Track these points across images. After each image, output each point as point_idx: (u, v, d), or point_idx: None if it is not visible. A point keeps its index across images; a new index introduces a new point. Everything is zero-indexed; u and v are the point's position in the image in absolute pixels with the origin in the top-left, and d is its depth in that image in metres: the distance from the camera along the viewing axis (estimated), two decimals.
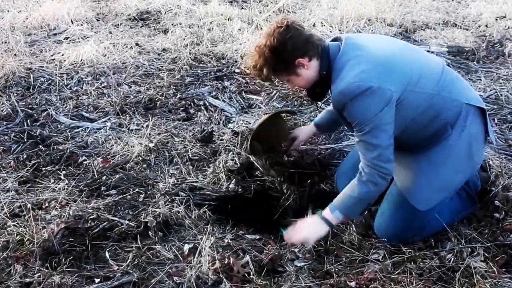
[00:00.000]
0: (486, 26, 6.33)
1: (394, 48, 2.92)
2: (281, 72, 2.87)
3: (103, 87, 4.86)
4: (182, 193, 3.38)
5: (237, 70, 5.09)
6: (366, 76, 2.66)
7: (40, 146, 3.91)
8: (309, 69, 2.81)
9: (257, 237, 3.08)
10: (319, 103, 4.25)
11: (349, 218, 3.02)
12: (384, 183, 2.84)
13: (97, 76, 5.03)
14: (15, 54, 5.41)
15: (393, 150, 2.79)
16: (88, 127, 4.21)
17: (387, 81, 2.68)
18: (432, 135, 2.91)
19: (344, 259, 2.91)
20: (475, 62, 5.38)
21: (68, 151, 3.84)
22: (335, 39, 2.92)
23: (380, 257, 2.90)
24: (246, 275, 2.76)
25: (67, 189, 3.41)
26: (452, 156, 2.91)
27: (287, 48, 2.74)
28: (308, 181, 3.47)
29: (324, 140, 3.95)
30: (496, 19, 6.48)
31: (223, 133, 4.09)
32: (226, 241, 3.01)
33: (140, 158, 3.75)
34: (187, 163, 3.72)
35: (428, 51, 5.47)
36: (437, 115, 2.85)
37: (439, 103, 2.83)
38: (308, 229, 2.94)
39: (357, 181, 2.86)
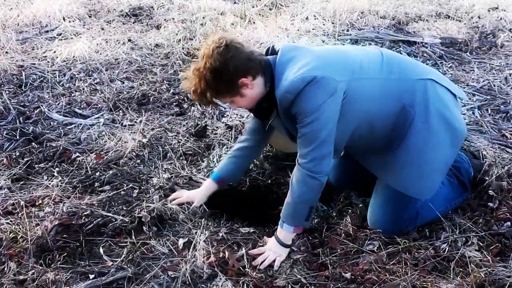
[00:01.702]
0: (479, 17, 6.34)
1: (330, 48, 2.96)
2: (224, 94, 2.76)
3: (96, 83, 4.85)
4: (176, 188, 3.37)
5: None
6: (309, 68, 2.63)
7: (33, 143, 3.89)
8: (254, 88, 2.74)
9: (252, 230, 3.06)
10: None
11: (300, 227, 2.89)
12: (315, 183, 2.76)
13: (90, 73, 5.02)
14: (6, 52, 5.39)
15: (331, 148, 2.73)
16: (81, 124, 4.19)
17: (330, 71, 2.65)
18: (396, 123, 2.82)
19: (339, 250, 2.90)
20: (468, 53, 5.40)
21: (61, 147, 3.82)
22: (272, 52, 2.85)
23: (375, 248, 2.90)
24: (241, 268, 2.75)
25: (60, 185, 3.40)
26: (431, 136, 2.83)
27: (229, 68, 2.64)
28: None
29: None
30: (489, 10, 6.50)
31: (217, 127, 4.09)
32: (220, 235, 2.99)
33: (134, 154, 3.74)
34: (181, 158, 3.71)
35: (421, 43, 5.51)
36: (393, 100, 2.79)
37: (390, 87, 2.79)
38: (274, 252, 2.85)
39: (290, 185, 2.83)
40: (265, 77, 2.75)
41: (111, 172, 3.54)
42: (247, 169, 3.45)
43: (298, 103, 2.66)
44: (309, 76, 2.60)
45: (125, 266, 2.77)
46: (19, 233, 2.94)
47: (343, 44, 5.49)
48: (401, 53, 5.17)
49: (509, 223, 2.98)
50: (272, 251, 2.85)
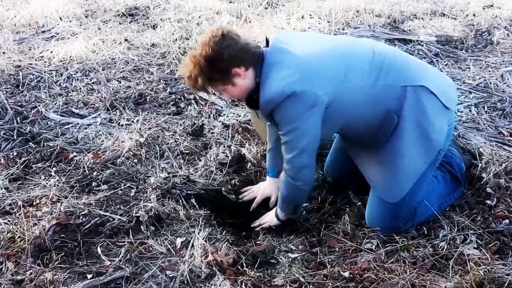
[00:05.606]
0: (474, 15, 6.35)
1: (319, 48, 2.84)
2: (217, 82, 2.81)
3: (93, 83, 4.84)
4: (173, 187, 3.37)
5: None
6: (289, 82, 2.66)
7: (30, 143, 3.89)
8: (246, 79, 2.78)
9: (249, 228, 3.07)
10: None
11: (288, 216, 3.15)
12: (296, 190, 2.96)
13: (87, 72, 5.00)
14: (3, 52, 5.36)
15: (312, 156, 2.83)
16: (78, 123, 4.19)
17: (312, 85, 2.67)
18: (379, 128, 2.86)
19: (337, 249, 2.91)
20: (463, 51, 5.40)
21: (58, 147, 3.82)
22: (267, 43, 2.87)
23: (374, 246, 2.91)
24: (239, 267, 2.75)
25: (58, 185, 3.39)
26: (404, 143, 2.85)
27: (223, 57, 2.69)
28: None
29: None
30: (484, 8, 6.51)
31: (214, 126, 4.09)
32: (218, 234, 3.00)
33: (131, 153, 3.74)
34: (178, 157, 3.71)
35: (417, 41, 5.51)
36: (377, 106, 2.81)
37: (375, 93, 2.79)
38: (269, 218, 3.20)
39: (280, 181, 3.02)
40: (256, 71, 2.78)
41: (108, 171, 3.54)
42: None
43: (278, 113, 2.73)
44: (289, 90, 2.65)
45: (123, 266, 2.76)
46: (16, 233, 2.93)
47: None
48: None
49: (507, 220, 2.98)
50: (268, 219, 3.19)
